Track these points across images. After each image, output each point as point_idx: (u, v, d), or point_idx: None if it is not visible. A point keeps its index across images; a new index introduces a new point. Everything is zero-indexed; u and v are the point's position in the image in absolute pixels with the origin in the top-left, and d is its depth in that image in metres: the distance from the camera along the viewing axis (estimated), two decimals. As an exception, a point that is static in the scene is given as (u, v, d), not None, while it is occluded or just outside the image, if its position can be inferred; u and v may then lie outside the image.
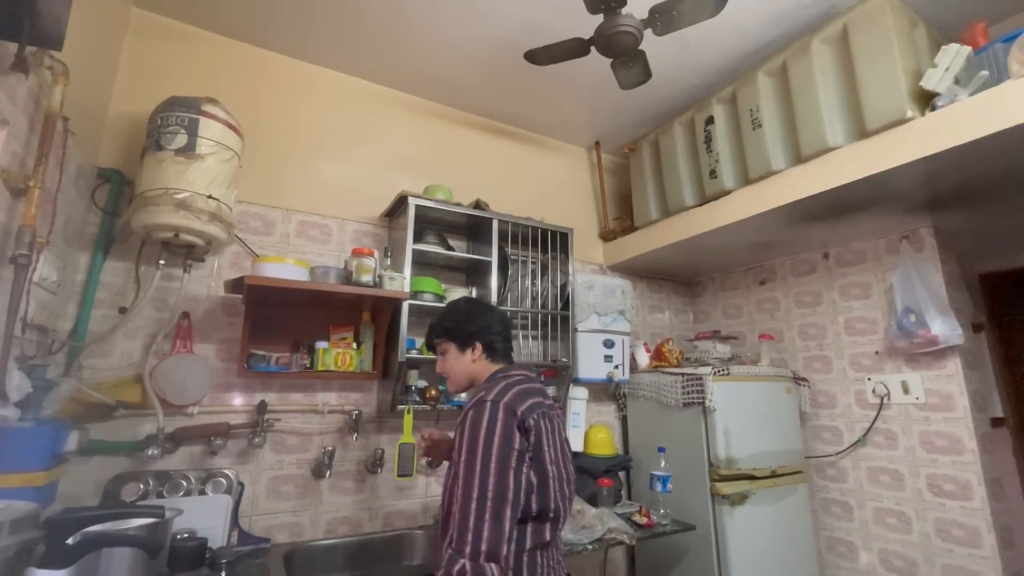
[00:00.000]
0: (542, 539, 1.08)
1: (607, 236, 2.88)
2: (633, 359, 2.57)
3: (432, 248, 2.08)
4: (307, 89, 2.19)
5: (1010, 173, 1.70)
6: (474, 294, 2.27)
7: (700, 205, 2.39)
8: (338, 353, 1.84)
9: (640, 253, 2.66)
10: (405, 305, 1.89)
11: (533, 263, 2.35)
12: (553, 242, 2.36)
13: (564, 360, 2.28)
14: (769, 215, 2.07)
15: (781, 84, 2.04)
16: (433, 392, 2.01)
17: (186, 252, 1.69)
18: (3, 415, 1.08)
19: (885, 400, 2.22)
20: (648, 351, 2.64)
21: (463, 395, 2.06)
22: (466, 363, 1.31)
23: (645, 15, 1.54)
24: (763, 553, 2.11)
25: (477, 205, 2.20)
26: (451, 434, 1.27)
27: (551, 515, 1.09)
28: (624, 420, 2.67)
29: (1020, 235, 2.33)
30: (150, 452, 1.52)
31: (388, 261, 1.98)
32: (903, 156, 1.62)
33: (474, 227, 2.30)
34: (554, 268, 2.39)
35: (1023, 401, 2.74)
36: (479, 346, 1.30)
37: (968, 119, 1.48)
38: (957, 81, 1.57)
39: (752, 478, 2.12)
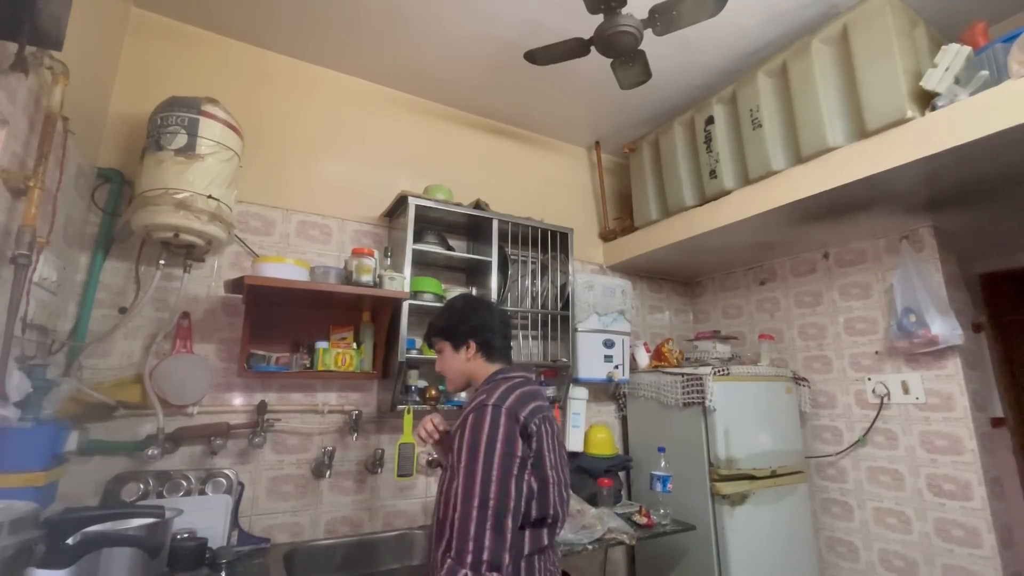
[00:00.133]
0: (540, 544, 1.07)
1: (607, 236, 2.88)
2: (633, 359, 2.57)
3: (432, 248, 2.08)
4: (307, 89, 2.19)
5: (1010, 173, 1.70)
6: (474, 294, 2.27)
7: (700, 205, 2.39)
8: (338, 353, 1.84)
9: (640, 253, 2.66)
10: (405, 305, 1.89)
11: (533, 263, 2.35)
12: (553, 242, 2.36)
13: (564, 360, 2.28)
14: (769, 215, 2.07)
15: (781, 84, 2.04)
16: (433, 392, 2.01)
17: (186, 252, 1.69)
18: (3, 415, 1.08)
19: (885, 400, 2.22)
20: (648, 351, 2.64)
21: (463, 394, 2.06)
22: (461, 362, 1.29)
23: (645, 15, 1.54)
24: (763, 553, 2.11)
25: (477, 205, 2.20)
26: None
27: (550, 520, 1.08)
28: (624, 420, 2.67)
29: (1020, 235, 2.33)
30: (150, 452, 1.52)
31: (388, 261, 1.98)
32: (903, 156, 1.62)
33: (474, 227, 2.30)
34: (554, 268, 2.39)
35: (1023, 401, 2.74)
36: (473, 345, 1.27)
37: (968, 119, 1.48)
38: (957, 81, 1.57)
39: (752, 478, 2.12)
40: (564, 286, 2.35)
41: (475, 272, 2.32)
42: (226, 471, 1.68)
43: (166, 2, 1.89)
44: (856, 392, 2.35)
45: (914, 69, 1.68)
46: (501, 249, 2.21)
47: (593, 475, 2.28)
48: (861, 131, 1.78)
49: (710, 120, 2.32)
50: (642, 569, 2.43)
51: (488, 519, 0.95)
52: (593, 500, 2.16)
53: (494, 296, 2.11)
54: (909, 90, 1.65)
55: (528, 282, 2.35)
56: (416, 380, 2.01)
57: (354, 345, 1.91)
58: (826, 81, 1.88)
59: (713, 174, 2.30)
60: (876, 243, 2.35)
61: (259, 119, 2.01)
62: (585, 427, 2.41)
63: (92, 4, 1.47)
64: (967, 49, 1.57)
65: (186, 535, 1.42)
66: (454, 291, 2.18)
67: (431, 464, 2.04)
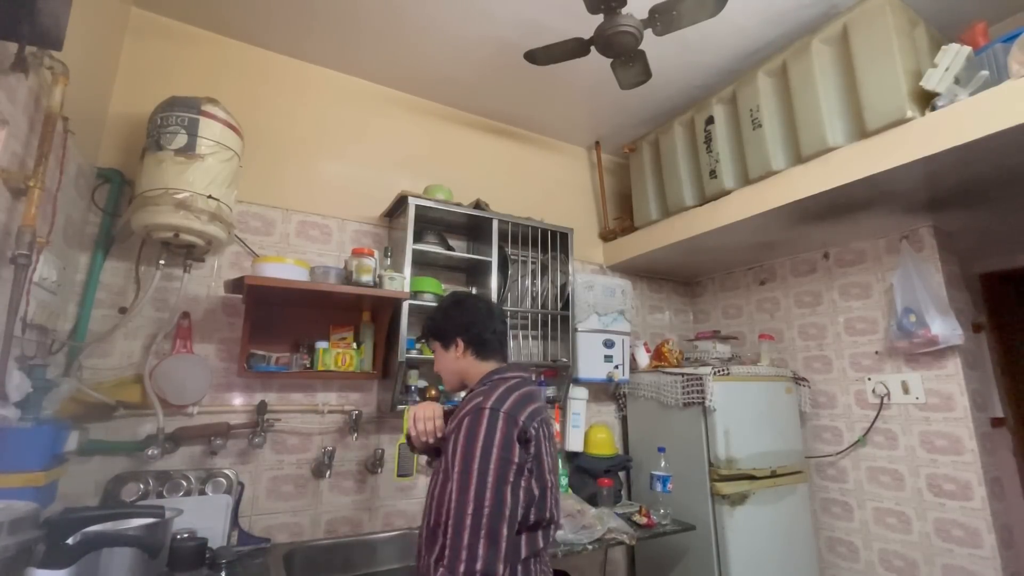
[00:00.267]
0: (536, 548, 1.05)
1: (607, 236, 2.88)
2: (633, 359, 2.57)
3: (432, 248, 2.08)
4: (307, 89, 2.19)
5: (1010, 173, 1.70)
6: (469, 292, 2.27)
7: (700, 205, 2.39)
8: (338, 353, 1.84)
9: (640, 253, 2.66)
10: (405, 305, 1.89)
11: (533, 263, 2.35)
12: (553, 242, 2.36)
13: (564, 360, 2.28)
14: (769, 215, 2.07)
15: (781, 84, 2.04)
16: (433, 392, 2.01)
17: (186, 252, 1.69)
18: (3, 415, 1.08)
19: (885, 400, 2.22)
20: (648, 351, 2.64)
21: (462, 394, 2.06)
22: (452, 361, 1.26)
23: (645, 15, 1.54)
24: (763, 553, 2.11)
25: (477, 205, 2.20)
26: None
27: (545, 523, 1.06)
28: (624, 420, 2.67)
29: (1020, 235, 2.33)
30: (150, 452, 1.53)
31: (388, 261, 1.98)
32: (903, 156, 1.62)
33: (474, 227, 2.30)
34: (554, 268, 2.39)
35: (1023, 401, 2.74)
36: (460, 343, 1.24)
37: (968, 119, 1.48)
38: (957, 81, 1.57)
39: (752, 478, 2.12)
40: (564, 286, 2.35)
41: (475, 272, 2.32)
42: (226, 471, 1.68)
43: (166, 2, 1.89)
44: (856, 392, 2.35)
45: (914, 69, 1.68)
46: (501, 249, 2.21)
47: (593, 475, 2.28)
48: (861, 131, 1.78)
49: (710, 120, 2.32)
50: (642, 569, 2.43)
51: (482, 527, 0.92)
52: (593, 500, 2.16)
53: (494, 296, 2.11)
54: (909, 90, 1.65)
55: (528, 282, 2.35)
56: (416, 380, 2.01)
57: (354, 345, 1.91)
58: (826, 81, 1.88)
59: (713, 174, 2.30)
60: (876, 243, 2.35)
61: (259, 119, 2.01)
62: (585, 427, 2.41)
63: (92, 4, 1.47)
64: (967, 49, 1.57)
65: (186, 535, 1.42)
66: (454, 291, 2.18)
67: (430, 464, 2.04)
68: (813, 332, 2.57)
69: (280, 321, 1.87)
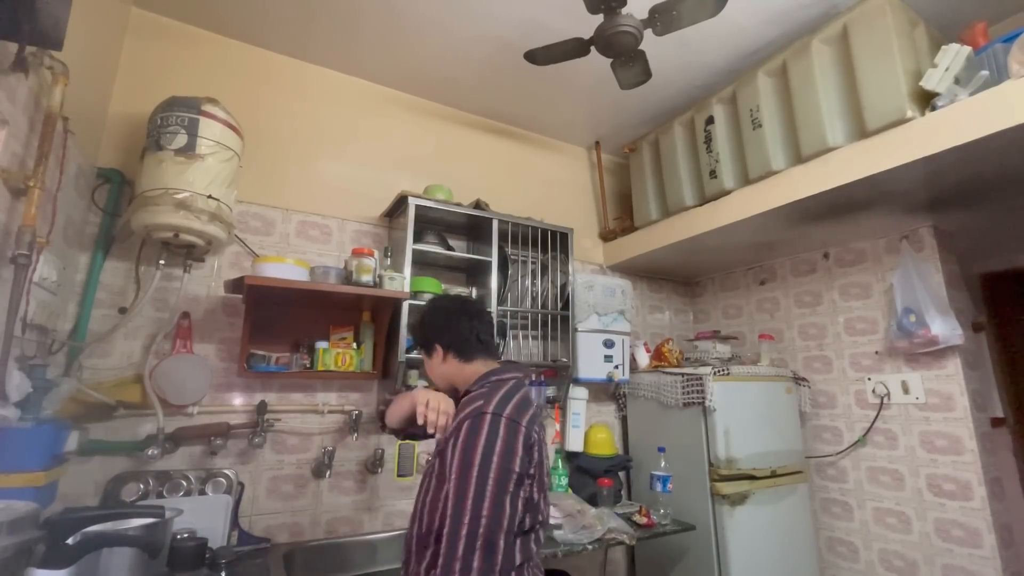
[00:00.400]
0: (529, 552, 1.03)
1: (607, 236, 2.88)
2: (633, 359, 2.57)
3: (432, 248, 2.08)
4: (307, 89, 2.19)
5: (1010, 173, 1.70)
6: (474, 294, 2.27)
7: (700, 205, 2.39)
8: (338, 353, 1.84)
9: (640, 253, 2.66)
10: (405, 305, 1.89)
11: (533, 263, 2.35)
12: (553, 242, 2.36)
13: (564, 360, 2.28)
14: (769, 215, 2.07)
15: (781, 84, 2.04)
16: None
17: (186, 252, 1.69)
18: (3, 415, 1.08)
19: (885, 400, 2.22)
20: (648, 351, 2.64)
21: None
22: (437, 367, 1.24)
23: (645, 15, 1.54)
24: (763, 553, 2.11)
25: (477, 205, 2.20)
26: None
27: (538, 526, 1.05)
28: (624, 420, 2.67)
29: (1020, 235, 2.33)
30: (150, 452, 1.53)
31: (388, 261, 1.98)
32: (903, 156, 1.62)
33: (474, 227, 2.30)
34: (554, 268, 2.39)
35: (1023, 401, 2.74)
36: (439, 348, 1.22)
37: (968, 119, 1.48)
38: (957, 81, 1.57)
39: (752, 478, 2.12)
40: (564, 286, 2.35)
41: (475, 272, 2.32)
42: (226, 471, 1.68)
43: (166, 2, 1.89)
44: (856, 392, 2.35)
45: (914, 69, 1.68)
46: (501, 249, 2.21)
47: (593, 475, 2.28)
48: (861, 131, 1.78)
49: (710, 120, 2.32)
50: (642, 569, 2.43)
51: (478, 538, 0.89)
52: (593, 500, 2.16)
53: (494, 296, 2.11)
54: (909, 90, 1.65)
55: (528, 282, 2.35)
56: (416, 380, 2.01)
57: (354, 345, 1.91)
58: (826, 81, 1.88)
59: (713, 174, 2.30)
60: (876, 243, 2.35)
61: (259, 119, 2.01)
62: (585, 427, 2.41)
63: (92, 4, 1.47)
64: (967, 49, 1.57)
65: (186, 535, 1.42)
66: (454, 291, 2.18)
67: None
68: (813, 332, 2.57)
69: (280, 321, 1.87)
